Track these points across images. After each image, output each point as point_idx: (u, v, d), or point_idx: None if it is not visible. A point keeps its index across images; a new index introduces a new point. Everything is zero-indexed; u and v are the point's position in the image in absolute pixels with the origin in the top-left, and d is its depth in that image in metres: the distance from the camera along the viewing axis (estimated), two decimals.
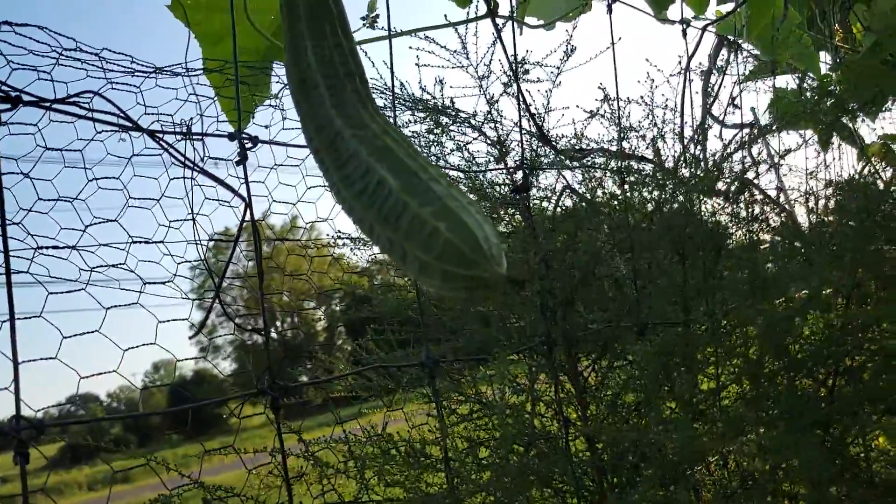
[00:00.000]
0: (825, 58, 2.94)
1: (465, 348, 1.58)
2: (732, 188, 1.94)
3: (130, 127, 0.94)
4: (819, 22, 2.88)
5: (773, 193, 2.39)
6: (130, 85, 1.05)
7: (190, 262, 1.17)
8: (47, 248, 0.96)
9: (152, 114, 1.04)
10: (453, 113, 1.76)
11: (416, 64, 1.57)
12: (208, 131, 1.08)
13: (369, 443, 1.47)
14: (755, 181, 2.14)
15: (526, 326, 1.62)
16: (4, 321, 0.84)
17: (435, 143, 1.81)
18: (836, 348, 1.29)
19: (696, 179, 1.82)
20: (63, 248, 0.94)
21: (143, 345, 1.18)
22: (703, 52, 2.10)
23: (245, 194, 0.99)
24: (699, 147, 1.93)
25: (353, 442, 1.46)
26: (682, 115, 1.92)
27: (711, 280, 1.64)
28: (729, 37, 2.21)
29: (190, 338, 1.46)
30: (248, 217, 1.01)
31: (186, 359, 1.23)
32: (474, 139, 1.75)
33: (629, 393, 1.66)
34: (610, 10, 1.73)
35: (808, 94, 2.16)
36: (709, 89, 2.11)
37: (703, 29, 1.99)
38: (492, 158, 1.70)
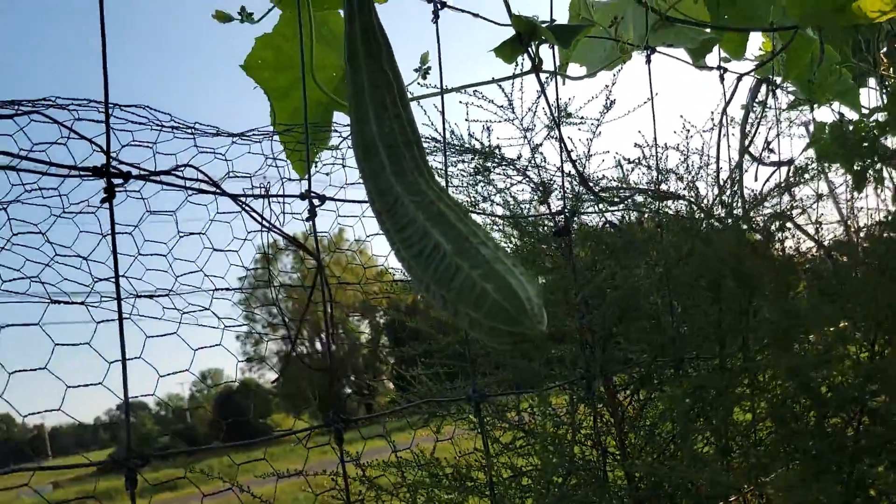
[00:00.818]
0: (871, 85, 2.98)
1: (509, 380, 1.69)
2: (770, 226, 2.02)
3: (218, 192, 1.08)
4: (863, 51, 2.93)
5: (811, 230, 2.44)
6: (216, 151, 1.19)
7: (259, 306, 1.30)
8: (145, 294, 1.11)
9: (234, 176, 1.18)
10: (499, 157, 1.88)
11: (466, 119, 1.69)
12: (281, 191, 1.21)
13: (419, 467, 1.58)
14: (793, 218, 2.21)
15: (567, 360, 1.72)
16: (114, 361, 0.97)
17: (482, 184, 1.93)
18: (862, 389, 1.36)
19: (732, 219, 1.90)
20: (162, 295, 1.09)
21: (204, 347, 1.31)
22: (741, 94, 2.18)
23: (315, 252, 1.11)
24: (736, 187, 2.01)
25: (405, 466, 1.58)
26: (718, 157, 2.00)
27: (744, 319, 1.71)
28: (768, 77, 2.28)
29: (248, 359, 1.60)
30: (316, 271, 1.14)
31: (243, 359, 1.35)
32: (518, 181, 1.87)
33: (666, 424, 1.74)
34: (648, 61, 1.83)
35: (846, 134, 2.22)
36: (746, 129, 2.19)
37: (740, 78, 2.07)
38: (535, 201, 1.81)
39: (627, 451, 1.67)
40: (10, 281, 0.98)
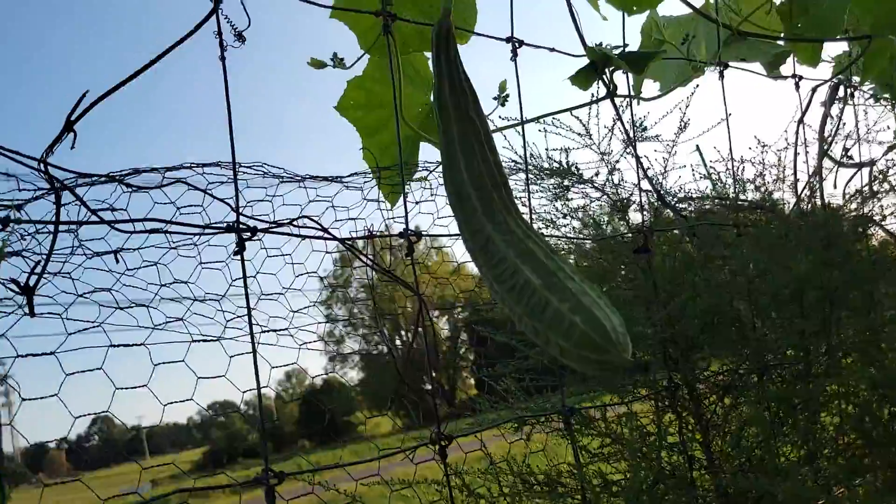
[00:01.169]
0: None
1: (596, 392, 1.78)
2: (855, 229, 2.03)
3: (329, 237, 1.22)
4: None
5: None
6: (327, 198, 1.34)
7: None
8: (268, 330, 1.26)
9: (343, 219, 1.32)
10: (577, 176, 1.96)
11: (546, 148, 1.79)
12: (378, 228, 1.34)
13: (513, 476, 1.69)
14: (880, 220, 2.20)
15: (651, 370, 1.79)
16: (249, 390, 1.12)
17: (562, 201, 2.02)
18: None
19: (814, 226, 1.93)
20: (281, 330, 1.24)
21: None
22: (818, 101, 2.18)
23: (415, 287, 1.24)
24: (816, 193, 2.03)
25: (501, 473, 1.69)
26: (795, 166, 2.02)
27: (828, 327, 1.75)
28: (846, 79, 2.28)
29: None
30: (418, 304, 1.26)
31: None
32: (597, 199, 1.95)
33: (751, 429, 1.79)
34: (722, 77, 1.88)
35: None
36: (825, 134, 2.20)
37: (814, 89, 2.09)
38: (614, 218, 1.89)
39: (714, 458, 1.73)
40: (163, 323, 1.15)
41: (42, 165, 1.08)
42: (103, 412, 1.09)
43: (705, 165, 2.05)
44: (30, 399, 0.99)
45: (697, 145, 2.09)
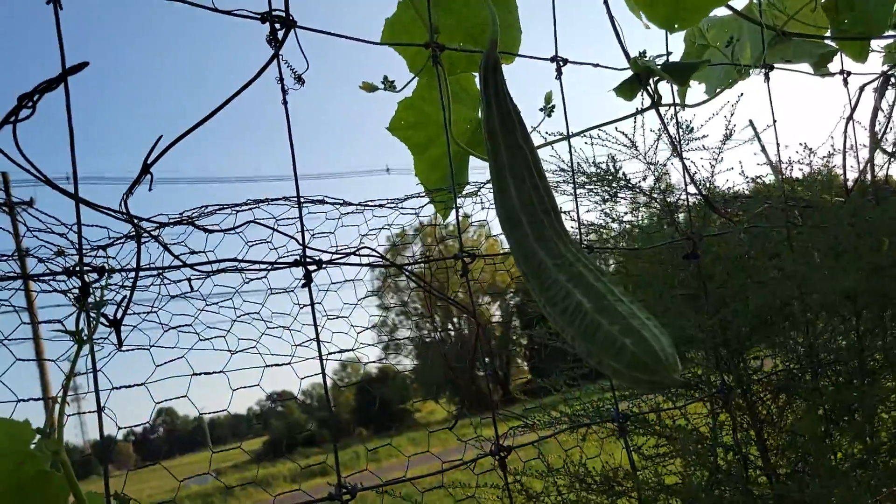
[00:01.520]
0: None
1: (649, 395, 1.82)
2: None
3: (389, 264, 1.29)
4: None
5: None
6: (386, 226, 1.42)
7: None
8: (336, 351, 1.35)
9: (400, 244, 1.40)
10: (624, 181, 2.00)
11: (593, 156, 1.83)
12: (437, 250, 1.41)
13: (570, 476, 1.75)
14: None
15: (704, 373, 1.83)
16: (310, 375, 1.20)
17: (609, 203, 2.05)
18: None
19: (868, 220, 1.93)
20: (347, 350, 1.32)
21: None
22: (867, 96, 2.17)
23: (471, 310, 1.31)
24: (869, 188, 2.03)
25: (556, 474, 1.76)
26: (844, 164, 2.02)
27: (883, 324, 1.76)
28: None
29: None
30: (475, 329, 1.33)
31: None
32: (645, 204, 1.98)
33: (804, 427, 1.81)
34: (767, 79, 1.89)
35: None
36: (876, 127, 2.18)
37: (862, 87, 2.07)
38: (664, 223, 1.92)
39: (768, 457, 1.76)
40: (238, 351, 1.24)
41: (124, 209, 1.17)
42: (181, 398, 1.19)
43: (759, 139, 2.05)
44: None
45: (751, 120, 2.10)
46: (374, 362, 1.78)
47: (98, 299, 0.98)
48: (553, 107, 2.00)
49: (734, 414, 1.75)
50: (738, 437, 1.74)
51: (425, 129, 1.87)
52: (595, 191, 2.05)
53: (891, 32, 2.01)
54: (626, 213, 2.03)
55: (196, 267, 1.11)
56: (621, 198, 2.01)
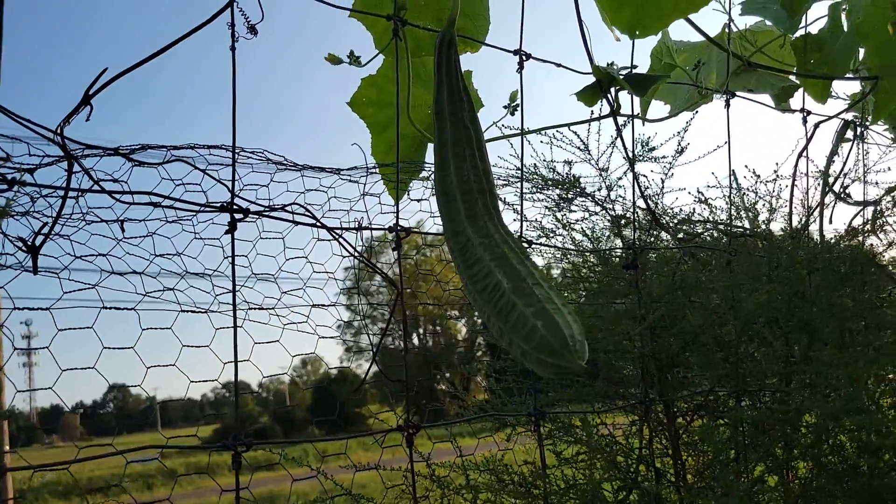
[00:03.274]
0: None
1: (573, 398, 1.83)
2: (847, 266, 2.06)
3: (318, 225, 1.28)
4: None
5: None
6: (323, 187, 1.41)
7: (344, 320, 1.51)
8: (256, 307, 1.33)
9: (333, 210, 1.39)
10: (579, 189, 2.01)
11: (544, 160, 1.84)
12: (373, 221, 1.41)
13: (485, 472, 1.75)
14: (880, 260, 2.23)
15: (629, 383, 1.84)
16: (228, 362, 1.19)
17: (563, 212, 2.07)
18: None
19: (806, 258, 1.96)
20: (269, 308, 1.31)
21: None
22: (824, 135, 2.21)
23: (397, 282, 1.30)
24: (812, 226, 2.06)
25: (470, 468, 1.75)
26: (791, 198, 2.05)
27: (809, 361, 1.78)
28: (856, 118, 2.30)
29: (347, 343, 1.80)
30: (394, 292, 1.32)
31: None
32: (595, 213, 2.00)
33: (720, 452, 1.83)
34: (728, 105, 1.92)
35: None
36: (830, 170, 2.22)
37: (817, 125, 2.11)
38: (611, 233, 1.94)
39: (682, 475, 1.78)
40: (152, 292, 1.22)
41: (58, 135, 1.16)
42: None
43: (738, 189, 2.06)
44: (68, 368, 1.07)
45: (734, 170, 2.12)
46: (336, 367, 1.77)
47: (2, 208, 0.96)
48: (516, 106, 2.01)
49: (652, 427, 1.76)
50: (654, 448, 1.75)
51: (386, 109, 1.87)
52: (550, 197, 2.07)
53: (852, 76, 2.05)
54: (577, 221, 2.04)
55: (118, 197, 1.09)
56: (575, 206, 2.02)
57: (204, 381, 1.21)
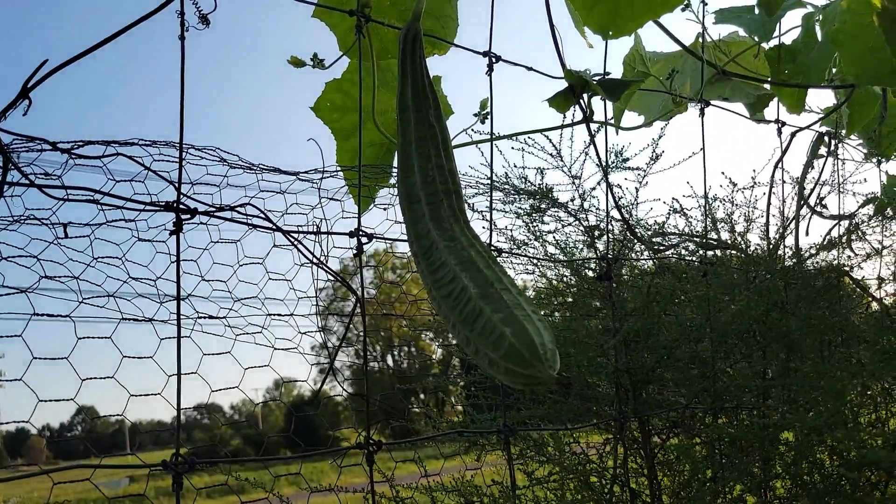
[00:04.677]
0: None
1: (545, 415, 1.75)
2: (824, 279, 2.02)
3: (273, 229, 1.20)
4: None
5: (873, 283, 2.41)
6: (277, 190, 1.32)
7: (311, 328, 1.42)
8: (204, 315, 1.24)
9: (291, 213, 1.31)
10: (550, 200, 1.95)
11: (515, 166, 1.78)
12: (333, 227, 1.33)
13: (450, 492, 1.66)
14: (850, 273, 2.19)
15: (602, 400, 1.77)
16: (172, 375, 1.10)
17: (535, 223, 2.01)
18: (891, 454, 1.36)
19: (781, 272, 1.92)
20: (222, 317, 1.22)
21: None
22: (798, 147, 2.18)
23: (358, 291, 1.22)
24: (788, 239, 2.02)
25: (436, 490, 1.66)
26: (768, 210, 2.02)
27: (788, 375, 1.73)
28: (830, 131, 2.28)
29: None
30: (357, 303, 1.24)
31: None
32: (568, 224, 1.94)
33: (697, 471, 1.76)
34: (702, 114, 1.88)
35: None
36: (805, 183, 2.19)
37: (793, 133, 2.08)
38: (583, 244, 1.87)
39: (657, 495, 1.70)
40: (90, 297, 1.13)
41: None
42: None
43: (714, 199, 2.02)
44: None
45: (709, 187, 2.07)
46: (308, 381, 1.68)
47: None
48: (487, 113, 1.95)
49: (627, 445, 1.69)
50: (629, 468, 1.68)
51: (352, 114, 1.79)
52: (519, 206, 2.01)
53: (827, 85, 2.02)
54: (549, 232, 1.98)
55: (49, 191, 1.00)
56: (548, 216, 1.96)
57: (146, 394, 1.11)
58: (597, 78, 1.72)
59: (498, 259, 1.71)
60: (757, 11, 1.83)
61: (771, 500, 1.79)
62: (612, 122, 1.85)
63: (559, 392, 1.81)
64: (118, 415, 1.12)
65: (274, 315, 1.31)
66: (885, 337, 1.79)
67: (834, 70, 2.02)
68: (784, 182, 2.05)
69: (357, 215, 1.40)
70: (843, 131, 2.30)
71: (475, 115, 1.98)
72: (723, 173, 1.90)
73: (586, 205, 1.84)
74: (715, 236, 1.91)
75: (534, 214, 1.99)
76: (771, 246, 1.96)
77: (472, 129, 1.77)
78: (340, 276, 1.25)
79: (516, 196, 2.00)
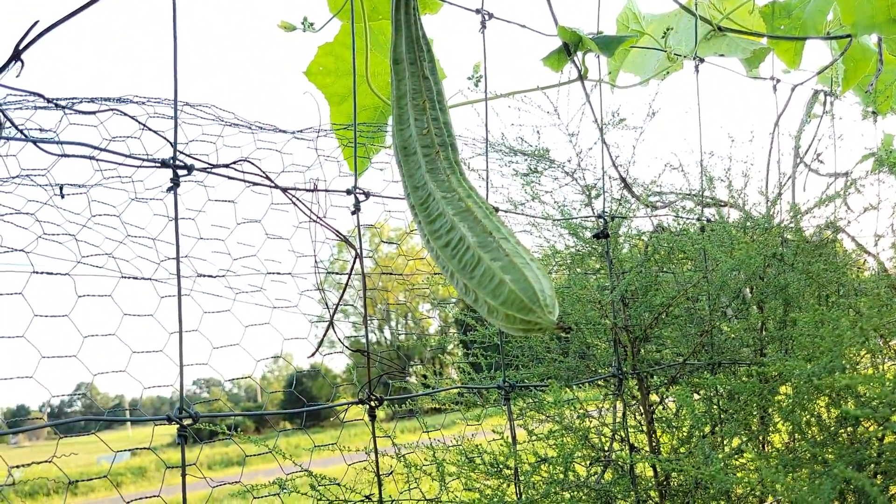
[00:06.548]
0: None
1: (545, 374, 1.76)
2: (821, 235, 2.02)
3: (271, 185, 1.20)
4: None
5: (868, 240, 2.41)
6: (274, 148, 1.32)
7: (311, 289, 1.42)
8: (204, 276, 1.24)
9: (288, 171, 1.30)
10: (548, 160, 1.95)
11: (512, 124, 1.78)
12: (330, 186, 1.33)
13: (452, 450, 1.67)
14: (846, 229, 2.20)
15: (601, 358, 1.78)
16: (173, 332, 1.10)
17: (533, 184, 2.00)
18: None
19: (779, 227, 1.92)
20: (218, 276, 1.22)
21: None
22: (796, 105, 2.18)
23: (357, 245, 1.22)
24: (784, 195, 2.03)
25: (438, 448, 1.68)
26: (768, 167, 2.01)
27: (784, 328, 1.73)
28: (825, 88, 2.27)
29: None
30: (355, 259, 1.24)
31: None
32: (566, 184, 1.93)
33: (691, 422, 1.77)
34: (697, 71, 1.87)
35: None
36: (800, 141, 2.19)
37: (794, 88, 2.08)
38: (581, 203, 1.87)
39: (657, 451, 1.72)
40: (88, 256, 1.13)
41: None
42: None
43: (711, 155, 2.01)
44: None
45: (705, 152, 2.07)
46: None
47: None
48: (480, 77, 1.94)
49: (626, 401, 1.70)
50: (628, 425, 1.69)
51: (345, 78, 1.78)
52: (516, 167, 2.00)
53: (823, 37, 2.01)
54: (546, 192, 1.98)
55: (44, 147, 1.00)
56: (545, 177, 1.96)
57: (147, 351, 1.12)
58: (591, 35, 1.71)
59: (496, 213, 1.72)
60: None
61: (770, 453, 1.81)
62: (610, 81, 1.84)
63: (557, 350, 1.82)
64: (120, 371, 1.12)
65: (273, 273, 1.31)
66: (882, 286, 1.80)
67: (830, 25, 2.01)
68: (779, 140, 2.05)
69: (355, 174, 1.40)
70: (839, 88, 2.30)
71: (469, 78, 1.97)
72: (721, 127, 1.90)
73: (583, 164, 1.84)
74: (712, 194, 1.91)
75: (531, 175, 1.99)
76: (769, 203, 1.96)
77: (468, 89, 1.76)
78: (339, 232, 1.25)
79: (513, 157, 2.00)
